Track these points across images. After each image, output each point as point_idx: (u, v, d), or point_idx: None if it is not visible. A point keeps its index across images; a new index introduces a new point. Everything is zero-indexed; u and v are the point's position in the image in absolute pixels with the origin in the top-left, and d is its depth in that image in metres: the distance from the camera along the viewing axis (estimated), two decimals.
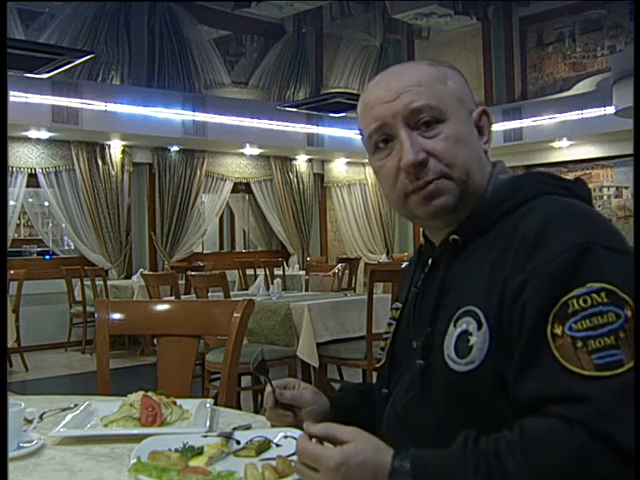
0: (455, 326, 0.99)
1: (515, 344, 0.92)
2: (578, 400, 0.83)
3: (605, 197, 9.84)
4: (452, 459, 0.86)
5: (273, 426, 1.22)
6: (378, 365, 1.21)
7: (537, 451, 0.82)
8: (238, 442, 1.12)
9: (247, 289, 6.72)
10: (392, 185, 1.06)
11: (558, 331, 0.87)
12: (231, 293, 4.88)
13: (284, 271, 8.60)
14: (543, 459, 0.82)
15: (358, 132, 1.13)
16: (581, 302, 0.87)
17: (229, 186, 9.84)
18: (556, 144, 9.69)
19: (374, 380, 1.25)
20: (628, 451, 0.80)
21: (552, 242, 0.92)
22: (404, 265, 6.60)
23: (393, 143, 1.06)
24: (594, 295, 0.87)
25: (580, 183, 1.09)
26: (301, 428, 1.14)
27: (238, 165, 9.99)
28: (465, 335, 0.97)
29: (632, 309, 0.87)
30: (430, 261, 1.12)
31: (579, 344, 0.86)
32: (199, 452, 1.06)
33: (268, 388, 1.19)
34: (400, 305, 1.20)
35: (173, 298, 5.50)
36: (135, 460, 0.99)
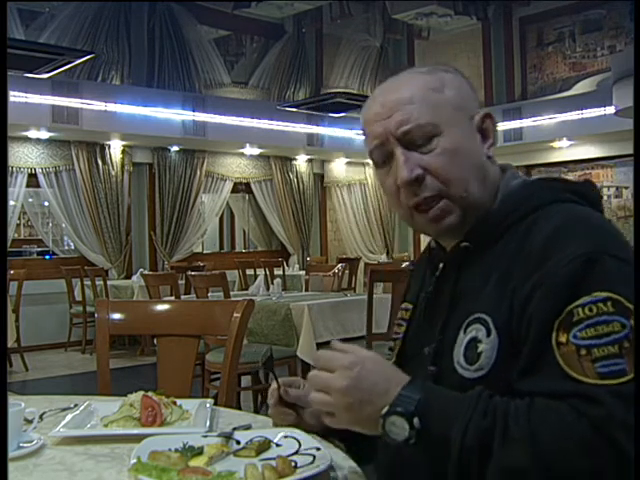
0: (465, 333, 1.00)
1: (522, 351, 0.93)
2: (587, 399, 0.84)
3: (605, 197, 9.83)
4: (465, 397, 0.89)
5: (274, 426, 1.22)
6: None
7: (541, 425, 0.84)
8: (238, 442, 1.12)
9: (247, 289, 6.71)
10: (396, 201, 1.08)
11: (563, 339, 0.88)
12: (231, 293, 4.88)
13: (284, 271, 8.60)
14: (545, 435, 0.83)
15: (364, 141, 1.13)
16: (586, 311, 0.88)
17: (229, 186, 9.84)
18: (556, 144, 9.69)
19: None
20: (628, 456, 0.81)
21: (560, 251, 0.92)
22: (404, 265, 6.59)
23: (391, 160, 1.06)
24: (600, 304, 0.87)
25: (588, 185, 1.09)
26: (302, 429, 1.14)
27: (238, 165, 9.99)
28: (474, 342, 0.98)
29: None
30: (441, 265, 1.12)
31: (583, 352, 0.86)
32: (199, 452, 1.06)
33: (274, 384, 1.19)
34: (410, 306, 1.20)
35: (173, 298, 5.50)
36: (135, 460, 0.99)
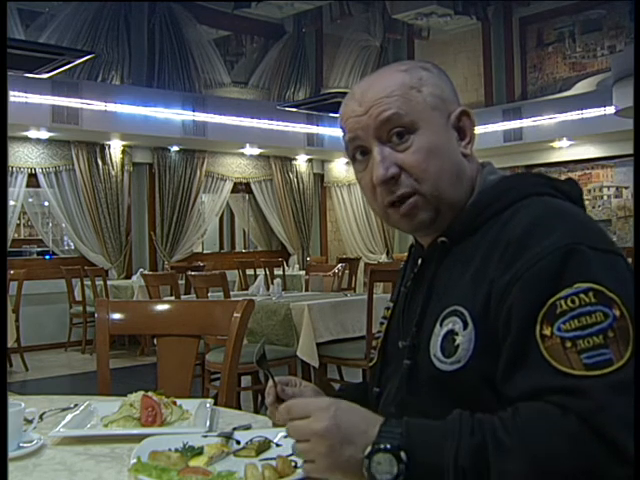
0: (441, 326, 1.00)
1: (502, 344, 0.92)
2: (573, 393, 0.83)
3: (605, 197, 9.83)
4: (447, 422, 0.87)
5: (274, 426, 1.22)
6: (371, 364, 1.21)
7: (530, 429, 0.83)
8: (238, 442, 1.12)
9: (247, 289, 6.72)
10: (373, 198, 1.08)
11: (547, 332, 0.87)
12: (231, 293, 4.88)
13: (284, 271, 8.60)
14: (536, 439, 0.82)
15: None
16: (569, 302, 0.87)
17: (229, 186, 9.84)
18: (556, 144, 9.69)
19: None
20: (623, 449, 0.80)
21: (538, 243, 0.92)
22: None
23: (368, 156, 1.06)
24: (582, 295, 0.87)
25: (570, 182, 1.08)
26: None
27: (238, 165, 9.99)
28: (451, 335, 0.98)
29: (620, 308, 0.87)
30: (419, 261, 1.13)
31: (568, 344, 0.86)
32: (199, 452, 1.06)
33: (270, 382, 1.19)
34: (392, 305, 1.21)
35: (173, 298, 5.50)
36: (135, 460, 0.99)
